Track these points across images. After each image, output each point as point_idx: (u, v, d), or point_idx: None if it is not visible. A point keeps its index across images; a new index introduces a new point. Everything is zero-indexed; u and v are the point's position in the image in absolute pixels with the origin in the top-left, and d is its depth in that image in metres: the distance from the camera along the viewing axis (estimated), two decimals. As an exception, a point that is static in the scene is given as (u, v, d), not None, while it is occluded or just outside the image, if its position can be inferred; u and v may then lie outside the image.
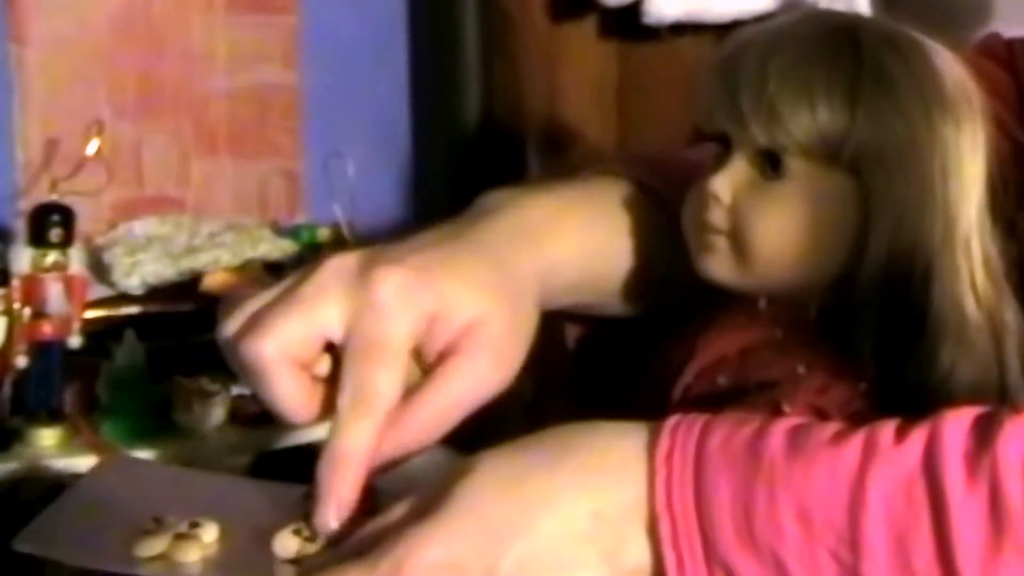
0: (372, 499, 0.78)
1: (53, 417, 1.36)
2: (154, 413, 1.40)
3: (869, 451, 0.66)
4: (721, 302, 0.84)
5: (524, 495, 0.68)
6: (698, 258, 0.81)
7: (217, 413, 1.42)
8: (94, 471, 0.88)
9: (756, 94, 0.77)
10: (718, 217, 0.80)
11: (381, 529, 0.70)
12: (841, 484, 0.65)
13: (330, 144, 1.73)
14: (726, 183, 0.79)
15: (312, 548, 0.76)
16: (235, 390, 1.43)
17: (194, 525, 0.77)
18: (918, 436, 0.66)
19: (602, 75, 1.77)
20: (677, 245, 0.88)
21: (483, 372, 0.79)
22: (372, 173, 1.88)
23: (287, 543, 0.76)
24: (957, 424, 0.66)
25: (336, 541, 0.75)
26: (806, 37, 0.79)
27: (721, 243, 0.80)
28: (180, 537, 0.76)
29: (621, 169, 0.93)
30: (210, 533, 0.77)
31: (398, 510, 0.71)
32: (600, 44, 1.77)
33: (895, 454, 0.65)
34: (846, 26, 0.79)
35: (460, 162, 1.87)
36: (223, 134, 1.82)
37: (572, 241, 0.87)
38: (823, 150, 0.77)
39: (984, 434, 0.65)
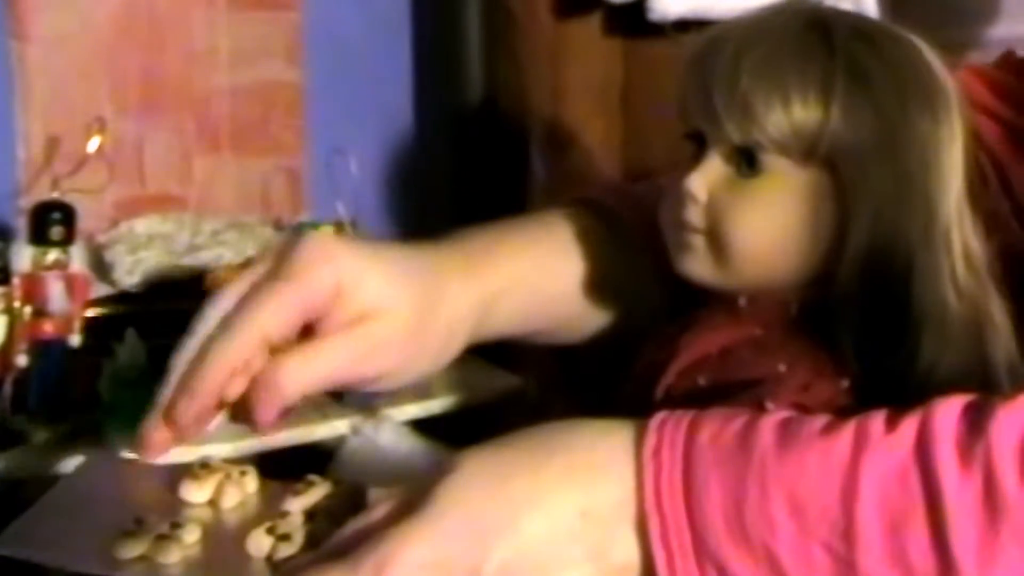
0: (357, 498, 0.78)
1: (54, 417, 1.35)
2: (156, 412, 1.40)
3: (860, 441, 0.66)
4: (701, 301, 0.83)
5: (510, 494, 0.68)
6: (676, 257, 0.81)
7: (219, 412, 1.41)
8: (76, 472, 0.88)
9: (729, 91, 0.77)
10: (695, 216, 0.79)
11: (363, 528, 0.70)
12: (833, 475, 0.65)
13: (333, 141, 1.73)
14: (702, 181, 0.79)
15: (287, 546, 0.76)
16: (237, 389, 1.43)
17: (175, 526, 0.77)
18: (909, 424, 0.66)
19: (607, 72, 1.76)
20: (637, 263, 0.88)
21: (352, 357, 0.80)
22: (375, 170, 1.88)
23: (261, 541, 0.76)
24: (948, 411, 0.66)
25: (317, 541, 0.75)
26: (779, 32, 0.78)
27: (699, 242, 0.80)
28: (161, 538, 0.76)
29: (574, 198, 0.94)
30: (191, 534, 0.77)
31: (381, 509, 0.70)
32: (604, 41, 1.76)
33: (887, 443, 0.65)
34: (819, 20, 0.79)
35: (464, 160, 1.86)
36: (225, 131, 1.82)
37: (513, 263, 0.89)
38: (798, 146, 0.77)
39: (976, 421, 0.65)
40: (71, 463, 1.31)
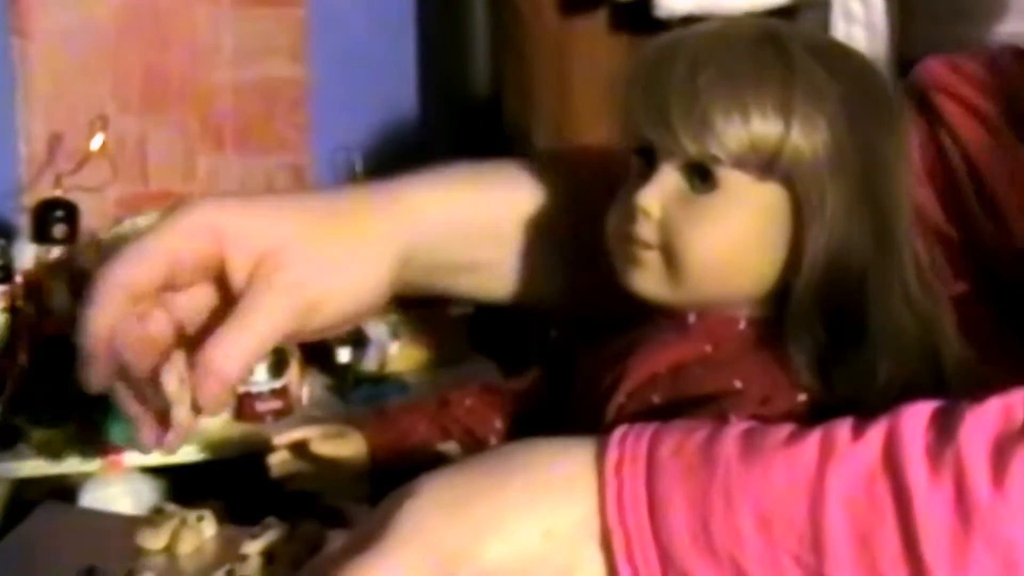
0: (316, 540, 0.77)
1: (56, 416, 1.35)
2: (159, 411, 1.39)
3: (827, 450, 0.64)
4: (646, 318, 0.82)
5: (471, 518, 0.66)
6: (625, 273, 0.80)
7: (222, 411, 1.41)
8: (30, 520, 0.87)
9: (687, 104, 0.76)
10: (647, 231, 0.78)
11: (323, 562, 0.68)
12: (800, 485, 0.63)
13: (337, 138, 1.72)
14: (654, 196, 0.77)
15: None
16: (241, 388, 1.42)
17: (130, 574, 0.76)
18: (877, 432, 0.64)
19: (613, 70, 1.75)
20: (574, 210, 0.86)
21: (275, 303, 0.77)
22: (380, 167, 1.87)
23: None
24: (916, 418, 0.64)
25: None
26: (734, 45, 0.77)
27: (651, 257, 0.78)
28: None
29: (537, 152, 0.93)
30: None
31: (340, 540, 0.69)
32: (610, 39, 1.75)
33: (854, 451, 0.64)
34: (773, 35, 0.78)
35: (469, 157, 1.85)
36: (229, 128, 1.81)
37: (435, 188, 0.87)
38: (756, 161, 0.76)
39: (945, 426, 0.63)
40: (71, 463, 1.31)
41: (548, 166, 0.91)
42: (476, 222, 0.87)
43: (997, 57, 0.93)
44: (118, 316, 0.75)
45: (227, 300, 0.77)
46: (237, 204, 0.79)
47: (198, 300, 0.79)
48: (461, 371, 1.64)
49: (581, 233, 0.85)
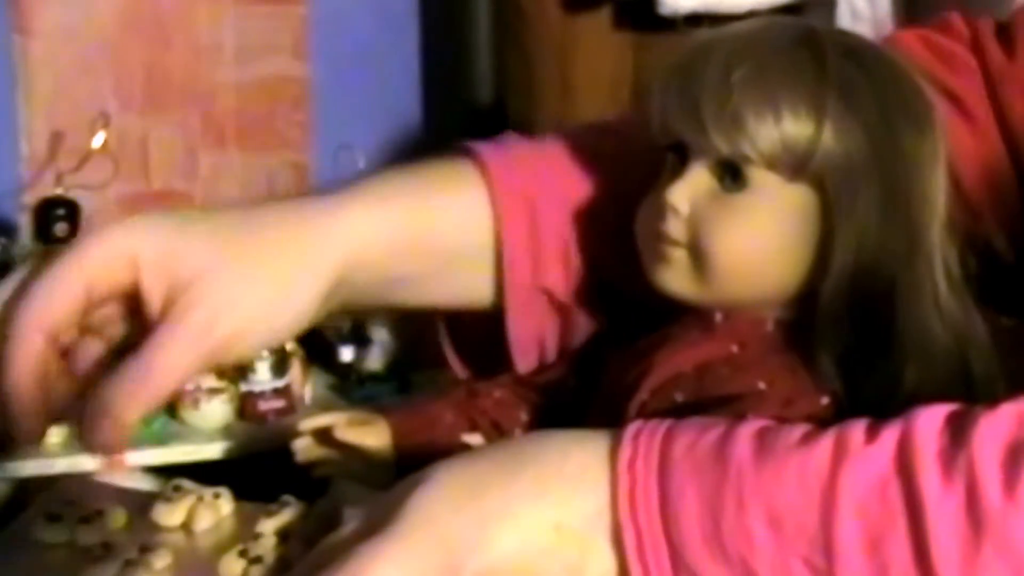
0: (332, 519, 0.77)
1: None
2: (161, 411, 1.39)
3: (840, 452, 0.64)
4: (673, 317, 0.82)
5: (481, 508, 0.66)
6: (653, 270, 0.80)
7: (225, 410, 1.41)
8: (50, 493, 0.87)
9: (719, 102, 0.76)
10: (676, 228, 0.78)
11: (333, 546, 0.68)
12: (812, 487, 0.63)
13: (340, 137, 1.72)
14: (684, 193, 0.77)
15: (258, 569, 0.75)
16: (243, 387, 1.42)
17: (144, 550, 0.76)
18: (890, 435, 0.64)
19: (617, 68, 1.75)
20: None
21: (184, 346, 0.74)
22: (382, 166, 1.87)
23: (232, 566, 0.75)
24: (930, 422, 0.64)
25: (290, 563, 0.73)
26: (769, 46, 0.78)
27: (679, 255, 0.78)
28: (129, 564, 0.75)
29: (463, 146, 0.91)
30: (161, 559, 0.76)
31: (350, 525, 0.69)
32: (615, 36, 1.75)
33: (867, 454, 0.63)
34: (809, 36, 0.78)
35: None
36: (231, 126, 1.81)
37: (372, 202, 0.85)
38: (788, 161, 0.76)
39: (959, 431, 0.63)
40: (75, 462, 1.30)
41: (502, 163, 0.89)
42: (417, 234, 0.85)
43: (977, 34, 0.92)
44: (39, 360, 0.72)
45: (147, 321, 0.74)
46: (154, 228, 0.75)
47: (122, 311, 0.76)
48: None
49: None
